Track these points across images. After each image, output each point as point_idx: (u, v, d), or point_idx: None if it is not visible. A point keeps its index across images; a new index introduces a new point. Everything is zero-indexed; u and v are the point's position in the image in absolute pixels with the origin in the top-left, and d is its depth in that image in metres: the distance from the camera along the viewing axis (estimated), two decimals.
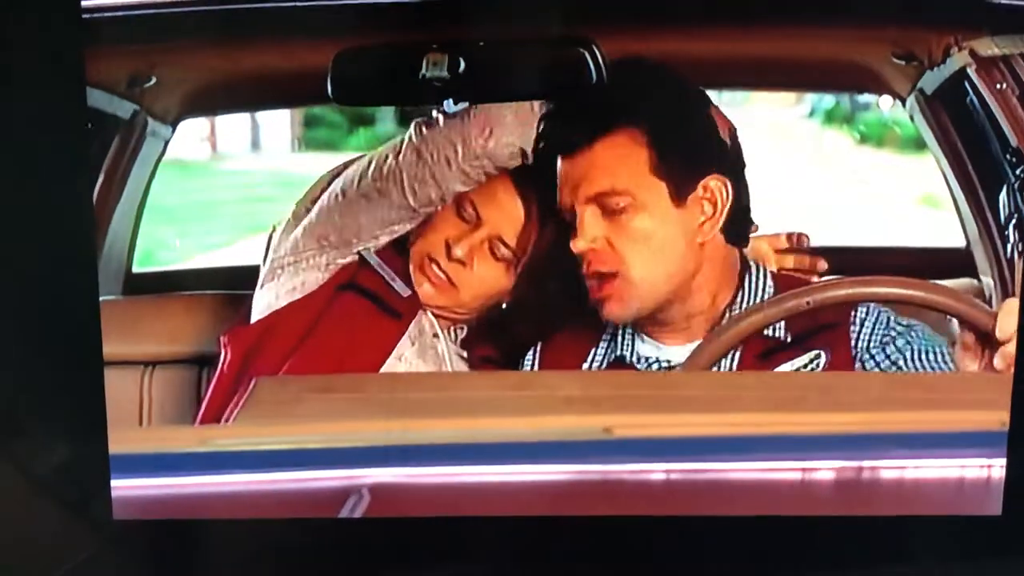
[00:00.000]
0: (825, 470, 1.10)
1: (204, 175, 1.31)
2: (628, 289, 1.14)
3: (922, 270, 1.17)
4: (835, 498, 1.11)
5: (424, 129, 1.17)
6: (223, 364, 1.20)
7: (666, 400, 1.17)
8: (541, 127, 1.15)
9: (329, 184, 1.20)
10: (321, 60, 1.14)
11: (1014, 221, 1.21)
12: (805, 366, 1.16)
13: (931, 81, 1.26)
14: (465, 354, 1.23)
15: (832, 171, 1.35)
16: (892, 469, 1.11)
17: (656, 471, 1.10)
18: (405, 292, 1.21)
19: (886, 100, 1.30)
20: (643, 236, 1.13)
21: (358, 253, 1.20)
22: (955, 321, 1.14)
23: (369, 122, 1.27)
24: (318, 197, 1.20)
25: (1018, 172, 1.20)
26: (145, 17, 1.15)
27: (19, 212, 1.12)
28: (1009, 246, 1.22)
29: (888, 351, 1.16)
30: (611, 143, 1.13)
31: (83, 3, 1.11)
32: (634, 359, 1.19)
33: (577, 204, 1.13)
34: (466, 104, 1.16)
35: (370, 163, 1.18)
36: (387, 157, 1.17)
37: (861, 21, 1.20)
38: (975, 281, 1.29)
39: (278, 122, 1.34)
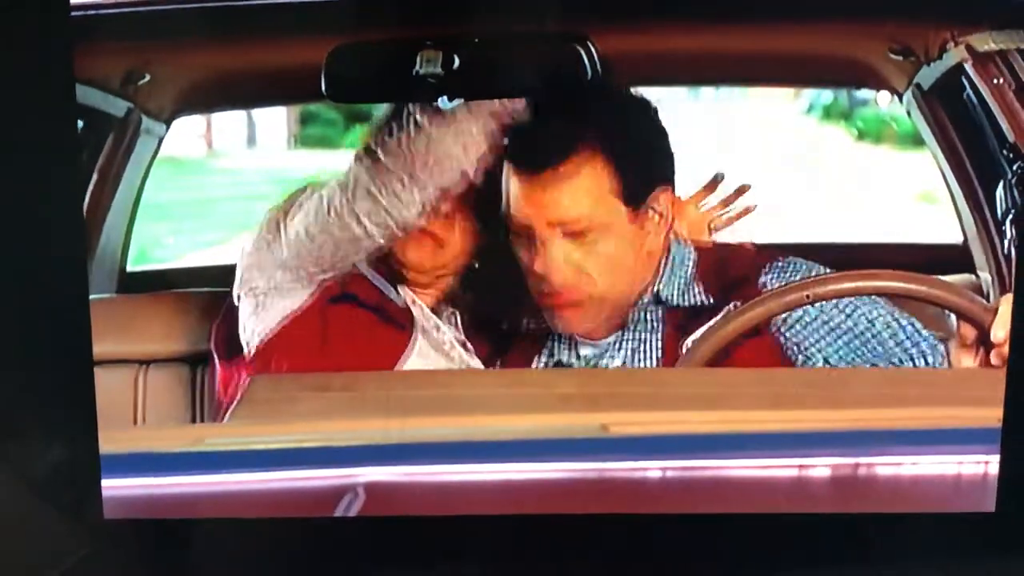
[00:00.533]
0: (819, 467, 1.10)
1: (199, 172, 1.31)
2: (586, 306, 1.17)
3: (920, 266, 1.16)
4: (828, 495, 1.10)
5: (369, 163, 1.15)
6: (238, 394, 1.20)
7: (663, 397, 1.17)
8: (503, 143, 1.15)
9: (286, 216, 1.19)
10: (315, 57, 1.14)
11: (1011, 216, 1.21)
12: None
13: (928, 76, 1.25)
14: (469, 344, 1.23)
15: (830, 167, 1.34)
16: (886, 466, 1.10)
17: (653, 468, 1.10)
18: (401, 302, 1.20)
19: (883, 96, 1.30)
20: (604, 258, 1.15)
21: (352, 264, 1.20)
22: (952, 317, 1.13)
23: (365, 119, 1.26)
24: (278, 229, 1.19)
25: (1015, 168, 1.20)
26: (139, 14, 1.15)
27: (7, 211, 1.11)
28: (1006, 242, 1.22)
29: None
30: (575, 167, 1.14)
31: (72, 0, 1.10)
32: (572, 360, 1.20)
33: (538, 226, 1.14)
34: (461, 100, 1.15)
35: (323, 200, 1.17)
36: (338, 194, 1.16)
37: (857, 16, 1.20)
38: (973, 277, 1.29)
39: (274, 119, 1.34)
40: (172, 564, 1.20)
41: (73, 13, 1.10)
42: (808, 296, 1.12)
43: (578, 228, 1.14)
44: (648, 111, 1.17)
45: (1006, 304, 1.11)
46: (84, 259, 1.18)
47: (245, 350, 1.20)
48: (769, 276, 1.19)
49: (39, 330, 1.14)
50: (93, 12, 1.12)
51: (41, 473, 1.17)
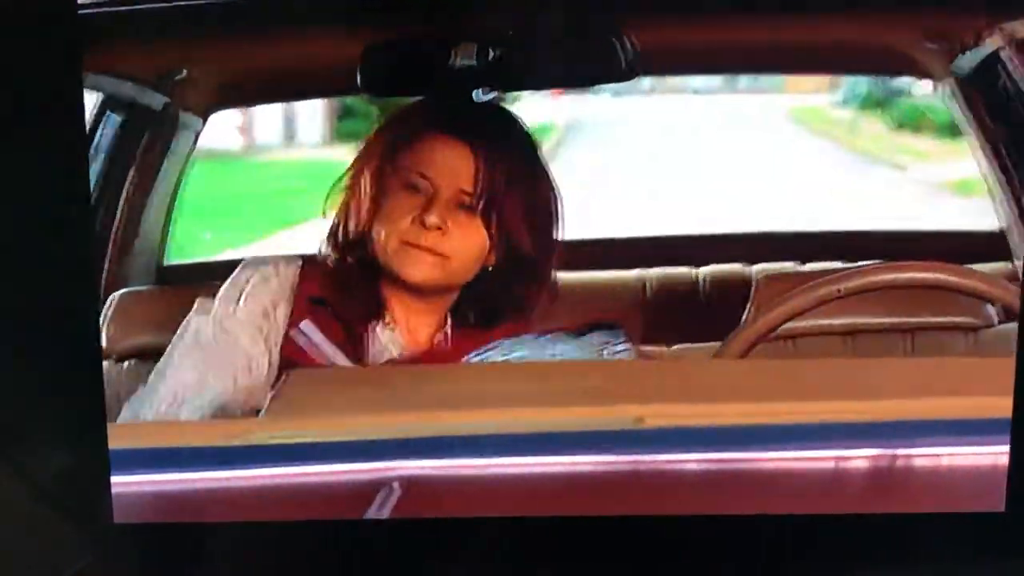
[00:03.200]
0: (846, 461, 1.09)
1: (236, 167, 1.31)
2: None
3: (957, 254, 1.16)
4: (838, 494, 1.09)
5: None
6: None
7: (698, 389, 1.16)
8: None
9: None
10: (352, 51, 1.14)
11: None
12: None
13: (964, 64, 1.25)
14: None
15: (868, 156, 1.34)
16: (895, 461, 1.09)
17: (688, 461, 1.10)
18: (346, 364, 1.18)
19: (921, 85, 1.29)
20: None
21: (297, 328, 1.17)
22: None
23: None
24: None
25: None
26: (174, 10, 1.15)
27: (15, 209, 1.10)
28: None
29: None
30: None
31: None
32: None
33: None
34: (495, 93, 1.15)
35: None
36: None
37: (894, 4, 1.19)
38: (1010, 264, 1.28)
39: (311, 113, 1.34)
40: (186, 570, 1.19)
41: (81, 12, 1.08)
42: (839, 290, 1.12)
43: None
44: None
45: None
46: (91, 256, 1.18)
47: None
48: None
49: (48, 328, 1.13)
50: (125, 9, 1.12)
51: (48, 475, 1.16)
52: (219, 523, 1.11)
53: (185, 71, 1.24)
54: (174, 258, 1.34)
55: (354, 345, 1.18)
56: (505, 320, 1.20)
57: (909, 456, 1.08)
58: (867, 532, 1.10)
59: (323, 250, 1.17)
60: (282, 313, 1.16)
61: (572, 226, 1.21)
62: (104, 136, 1.25)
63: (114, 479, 1.08)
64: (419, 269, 1.15)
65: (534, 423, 1.11)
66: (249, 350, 1.16)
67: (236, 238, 1.34)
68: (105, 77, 1.21)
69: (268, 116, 1.35)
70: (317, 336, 1.16)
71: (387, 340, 1.19)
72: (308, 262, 1.18)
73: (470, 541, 1.15)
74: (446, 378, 1.19)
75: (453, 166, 1.13)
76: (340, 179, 1.16)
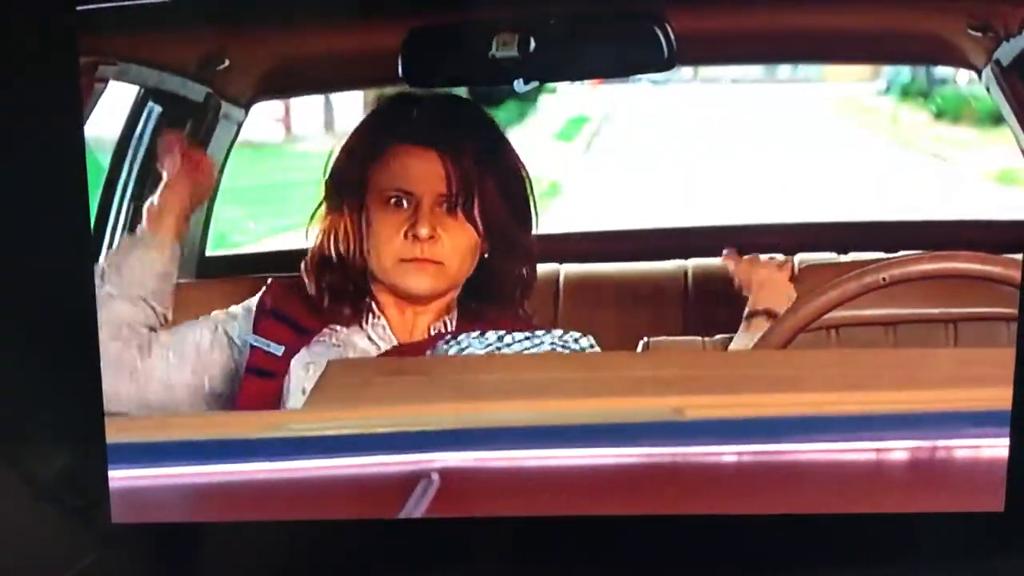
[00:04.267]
0: (870, 452, 1.08)
1: (278, 157, 1.31)
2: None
3: (1000, 244, 1.15)
4: (879, 485, 1.08)
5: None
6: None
7: (738, 380, 1.16)
8: None
9: None
10: (393, 41, 1.14)
11: None
12: None
13: (1007, 53, 1.24)
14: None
15: (909, 146, 1.33)
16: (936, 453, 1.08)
17: (729, 453, 1.09)
18: (279, 351, 1.19)
19: (963, 74, 1.28)
20: None
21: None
22: None
23: None
24: None
25: None
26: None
27: (15, 208, 1.10)
28: None
29: None
30: None
31: None
32: None
33: None
34: (536, 83, 1.15)
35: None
36: None
37: None
38: None
39: (351, 103, 1.34)
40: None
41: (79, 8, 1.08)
42: (884, 278, 1.11)
43: None
44: None
45: None
46: (89, 256, 1.18)
47: None
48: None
49: (44, 331, 1.13)
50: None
51: (48, 475, 1.16)
52: (239, 522, 1.12)
53: (227, 61, 1.24)
54: (216, 248, 1.34)
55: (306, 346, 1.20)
56: (506, 302, 1.22)
57: (950, 448, 1.07)
58: (867, 532, 1.10)
59: (304, 271, 1.19)
60: (237, 332, 1.21)
61: (608, 218, 1.20)
62: (145, 127, 1.25)
63: (123, 473, 1.09)
64: (421, 281, 1.17)
65: (574, 414, 1.11)
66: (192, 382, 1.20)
67: (277, 227, 1.34)
68: (147, 68, 1.22)
69: (309, 105, 1.36)
70: (260, 342, 1.19)
71: (377, 337, 1.20)
72: (268, 287, 1.22)
73: (502, 537, 1.15)
74: (488, 368, 1.19)
75: (427, 175, 1.15)
76: (318, 206, 1.19)
